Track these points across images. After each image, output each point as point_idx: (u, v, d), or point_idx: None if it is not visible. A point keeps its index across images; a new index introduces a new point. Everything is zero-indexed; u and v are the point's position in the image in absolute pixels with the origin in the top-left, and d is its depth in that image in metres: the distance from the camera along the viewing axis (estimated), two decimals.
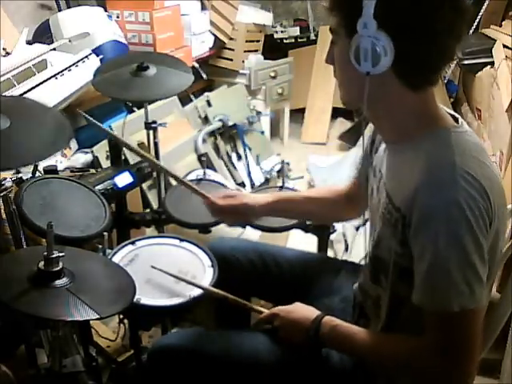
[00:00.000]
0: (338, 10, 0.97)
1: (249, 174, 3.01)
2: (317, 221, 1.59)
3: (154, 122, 1.85)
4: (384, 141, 1.10)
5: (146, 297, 1.22)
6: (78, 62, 2.24)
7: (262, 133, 3.29)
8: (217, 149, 2.91)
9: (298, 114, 3.94)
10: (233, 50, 3.42)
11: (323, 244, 1.72)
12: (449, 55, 0.96)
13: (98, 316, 0.98)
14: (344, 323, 1.08)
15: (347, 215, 1.42)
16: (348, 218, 1.48)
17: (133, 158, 2.34)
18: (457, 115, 1.04)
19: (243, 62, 3.43)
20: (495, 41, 2.75)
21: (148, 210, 2.35)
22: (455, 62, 3.26)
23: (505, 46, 2.56)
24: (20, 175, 1.44)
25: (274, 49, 3.81)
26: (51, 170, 1.57)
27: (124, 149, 1.87)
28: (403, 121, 1.01)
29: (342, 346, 1.08)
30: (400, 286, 1.02)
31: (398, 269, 1.02)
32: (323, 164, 3.15)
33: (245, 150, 3.04)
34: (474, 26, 3.24)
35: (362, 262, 1.33)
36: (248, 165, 3.02)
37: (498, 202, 0.94)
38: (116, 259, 1.36)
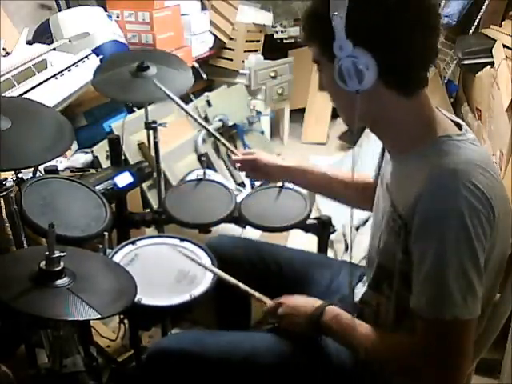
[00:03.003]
0: (312, 40, 0.99)
1: None
2: (331, 198, 1.51)
3: (154, 122, 1.85)
4: (388, 151, 1.11)
5: (147, 297, 1.22)
6: (78, 62, 2.24)
7: (262, 133, 3.29)
8: (217, 149, 2.91)
9: (298, 114, 3.94)
10: (233, 50, 3.42)
11: (323, 244, 1.72)
12: (430, 53, 0.97)
13: (98, 316, 0.98)
14: (346, 314, 1.09)
15: (364, 204, 1.35)
16: (364, 208, 1.39)
17: (133, 158, 2.35)
18: (461, 122, 1.04)
19: (243, 62, 3.43)
20: (495, 41, 2.74)
21: (148, 210, 2.35)
22: (455, 61, 3.27)
23: (505, 46, 2.56)
24: (21, 175, 1.43)
25: (273, 49, 3.80)
26: (51, 170, 1.57)
27: (124, 149, 1.87)
28: (403, 130, 1.02)
29: (341, 335, 1.09)
30: (404, 295, 1.02)
31: (402, 277, 1.03)
32: (323, 164, 3.15)
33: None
34: (474, 26, 3.24)
35: (362, 263, 1.33)
36: None
37: (502, 210, 0.94)
38: (116, 259, 1.36)
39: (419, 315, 0.95)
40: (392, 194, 1.06)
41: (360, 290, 1.26)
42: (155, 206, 2.35)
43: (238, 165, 1.53)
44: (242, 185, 2.90)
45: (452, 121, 1.04)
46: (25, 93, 2.02)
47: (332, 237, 1.98)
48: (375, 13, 0.90)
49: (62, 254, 1.03)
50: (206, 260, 1.38)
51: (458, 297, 0.90)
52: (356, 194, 1.32)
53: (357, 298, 1.25)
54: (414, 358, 0.97)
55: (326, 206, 2.69)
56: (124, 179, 1.69)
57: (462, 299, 0.90)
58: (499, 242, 0.96)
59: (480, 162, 0.95)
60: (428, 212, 0.92)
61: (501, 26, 2.96)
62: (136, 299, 1.15)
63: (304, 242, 1.85)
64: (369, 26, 0.91)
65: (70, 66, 2.21)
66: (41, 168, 1.59)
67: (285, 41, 3.94)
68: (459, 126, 1.03)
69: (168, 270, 1.34)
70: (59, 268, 1.02)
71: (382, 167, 1.17)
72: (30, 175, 1.52)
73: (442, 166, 0.94)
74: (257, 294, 1.25)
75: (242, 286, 1.27)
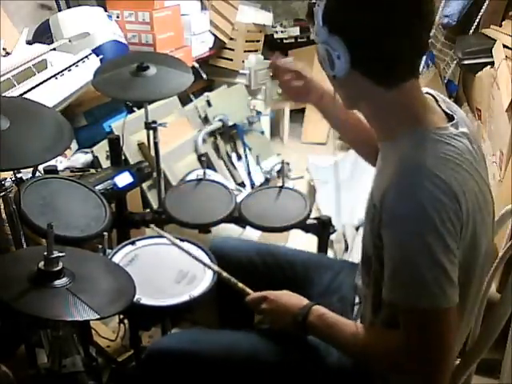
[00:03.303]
0: (311, 20, 1.01)
1: (249, 174, 3.01)
2: (353, 146, 1.42)
3: (154, 122, 1.85)
4: (376, 138, 1.11)
5: (146, 297, 1.22)
6: (78, 62, 2.24)
7: (262, 133, 3.29)
8: (217, 149, 2.91)
9: (298, 114, 3.93)
10: (233, 50, 3.42)
11: (323, 244, 1.72)
12: (407, 47, 0.94)
13: (98, 316, 0.98)
14: (332, 313, 1.09)
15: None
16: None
17: (133, 158, 2.35)
18: (456, 115, 1.02)
19: (243, 62, 3.43)
20: (495, 41, 2.74)
21: (148, 210, 2.35)
22: (455, 61, 3.27)
23: (505, 46, 2.56)
24: (20, 175, 1.43)
25: (273, 49, 3.80)
26: (51, 170, 1.57)
27: (124, 149, 1.87)
28: (385, 119, 1.02)
29: (327, 335, 1.08)
30: (382, 281, 1.01)
31: (379, 264, 1.02)
32: (323, 164, 3.15)
33: (245, 150, 3.05)
34: (474, 26, 3.24)
35: None
36: (248, 165, 3.02)
37: (472, 206, 0.94)
38: (116, 259, 1.36)
39: (398, 307, 0.95)
40: (372, 183, 1.08)
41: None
42: (155, 206, 2.35)
43: (278, 73, 1.37)
44: (242, 185, 2.90)
45: (447, 112, 1.03)
46: (25, 93, 2.02)
47: (332, 237, 1.98)
48: (351, 4, 0.91)
49: (61, 255, 1.03)
50: (205, 260, 1.37)
51: (434, 286, 0.90)
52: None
53: (355, 295, 1.25)
54: (397, 352, 0.96)
55: (325, 206, 2.69)
56: (124, 179, 1.69)
57: (439, 288, 0.90)
58: (469, 238, 0.95)
59: (453, 157, 0.94)
60: (393, 206, 0.93)
61: (501, 25, 2.96)
62: (136, 299, 1.15)
63: (304, 241, 1.85)
64: (343, 17, 0.92)
65: (70, 66, 2.21)
66: (40, 168, 1.59)
67: (285, 41, 3.94)
68: (452, 118, 1.01)
69: (168, 271, 1.34)
70: (58, 268, 1.02)
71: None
72: (30, 175, 1.52)
73: (410, 160, 0.95)
74: (239, 284, 1.26)
75: (224, 274, 1.29)
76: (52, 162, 1.55)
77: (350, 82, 0.98)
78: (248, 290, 1.24)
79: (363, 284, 1.13)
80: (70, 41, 2.41)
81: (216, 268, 1.32)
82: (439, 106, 1.04)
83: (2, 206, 1.42)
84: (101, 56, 2.34)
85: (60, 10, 2.74)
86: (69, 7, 2.77)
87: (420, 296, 0.91)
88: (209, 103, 2.99)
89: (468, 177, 0.95)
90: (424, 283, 0.90)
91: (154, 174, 1.92)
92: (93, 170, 2.09)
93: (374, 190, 1.05)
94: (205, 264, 1.35)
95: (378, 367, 1.06)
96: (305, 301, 1.13)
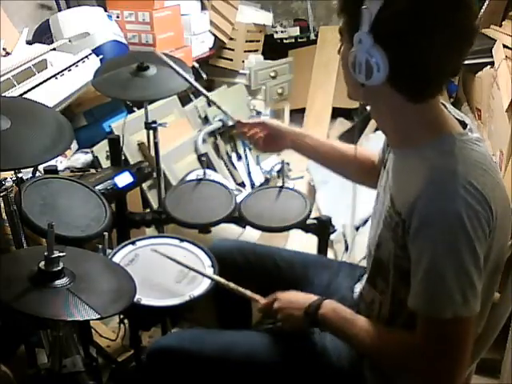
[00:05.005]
0: (341, 15, 0.98)
1: (249, 174, 3.01)
2: (334, 171, 1.47)
3: (154, 122, 1.85)
4: (390, 145, 1.11)
5: (147, 297, 1.22)
6: (78, 62, 2.24)
7: None
8: (217, 149, 2.91)
9: (298, 114, 3.93)
10: (233, 50, 3.42)
11: (323, 244, 1.72)
12: (448, 70, 0.95)
13: (98, 316, 0.98)
14: (345, 308, 1.09)
15: (368, 180, 1.34)
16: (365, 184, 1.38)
17: (133, 158, 2.36)
18: (467, 121, 1.03)
19: (243, 62, 3.43)
20: (495, 41, 2.74)
21: (148, 210, 2.35)
22: None
23: (505, 46, 2.56)
24: (20, 175, 1.43)
25: (273, 49, 3.80)
26: (51, 170, 1.57)
27: (124, 149, 1.87)
28: (406, 129, 1.01)
29: (339, 328, 1.08)
30: (401, 289, 1.02)
31: (399, 271, 1.03)
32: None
33: (245, 150, 3.04)
34: None
35: (362, 263, 1.33)
36: (248, 165, 3.02)
37: (501, 211, 0.94)
38: (116, 259, 1.36)
39: (418, 314, 0.95)
40: (391, 189, 1.06)
41: (358, 288, 1.26)
42: (155, 206, 2.35)
43: (245, 130, 1.47)
44: (242, 185, 2.90)
45: (458, 119, 1.03)
46: (25, 93, 2.02)
47: (332, 237, 1.98)
48: (407, 21, 0.87)
49: (62, 255, 1.03)
50: (205, 260, 1.38)
51: (458, 295, 0.90)
52: (359, 170, 1.29)
53: (355, 296, 1.25)
54: (413, 356, 0.97)
55: (325, 206, 2.69)
56: (124, 179, 1.69)
57: (463, 297, 0.90)
58: (496, 243, 0.96)
59: (480, 162, 0.94)
60: (427, 213, 0.92)
61: (501, 26, 2.96)
62: (136, 299, 1.15)
63: (304, 242, 1.85)
64: (395, 31, 0.89)
65: (70, 66, 2.21)
66: (40, 168, 1.59)
67: (285, 41, 3.94)
68: (465, 125, 1.01)
69: (168, 271, 1.34)
70: (58, 268, 1.02)
71: (387, 158, 1.16)
72: (30, 175, 1.52)
73: (441, 167, 0.94)
74: (248, 293, 1.24)
75: (232, 285, 1.26)
76: (52, 162, 1.54)
77: (377, 92, 0.96)
78: (257, 297, 1.22)
79: (376, 290, 1.12)
80: (70, 41, 2.42)
81: (223, 281, 1.27)
82: (449, 112, 1.03)
83: (3, 206, 1.42)
84: (101, 56, 2.34)
85: (60, 10, 2.74)
86: (69, 7, 2.77)
87: (443, 305, 0.91)
88: (209, 103, 2.99)
89: (494, 182, 0.95)
90: (449, 292, 0.90)
91: (154, 174, 1.92)
92: (93, 170, 2.09)
93: (395, 197, 1.03)
94: (203, 274, 1.32)
95: (390, 366, 1.06)
96: (315, 297, 1.13)
